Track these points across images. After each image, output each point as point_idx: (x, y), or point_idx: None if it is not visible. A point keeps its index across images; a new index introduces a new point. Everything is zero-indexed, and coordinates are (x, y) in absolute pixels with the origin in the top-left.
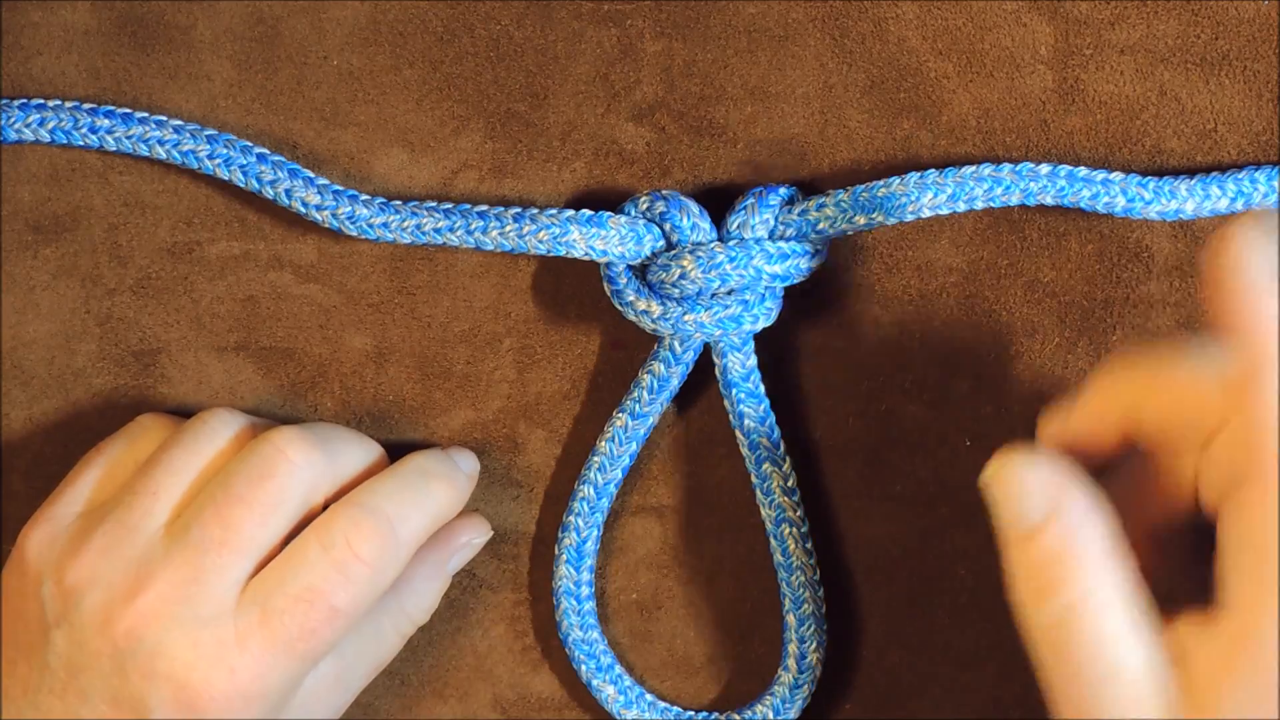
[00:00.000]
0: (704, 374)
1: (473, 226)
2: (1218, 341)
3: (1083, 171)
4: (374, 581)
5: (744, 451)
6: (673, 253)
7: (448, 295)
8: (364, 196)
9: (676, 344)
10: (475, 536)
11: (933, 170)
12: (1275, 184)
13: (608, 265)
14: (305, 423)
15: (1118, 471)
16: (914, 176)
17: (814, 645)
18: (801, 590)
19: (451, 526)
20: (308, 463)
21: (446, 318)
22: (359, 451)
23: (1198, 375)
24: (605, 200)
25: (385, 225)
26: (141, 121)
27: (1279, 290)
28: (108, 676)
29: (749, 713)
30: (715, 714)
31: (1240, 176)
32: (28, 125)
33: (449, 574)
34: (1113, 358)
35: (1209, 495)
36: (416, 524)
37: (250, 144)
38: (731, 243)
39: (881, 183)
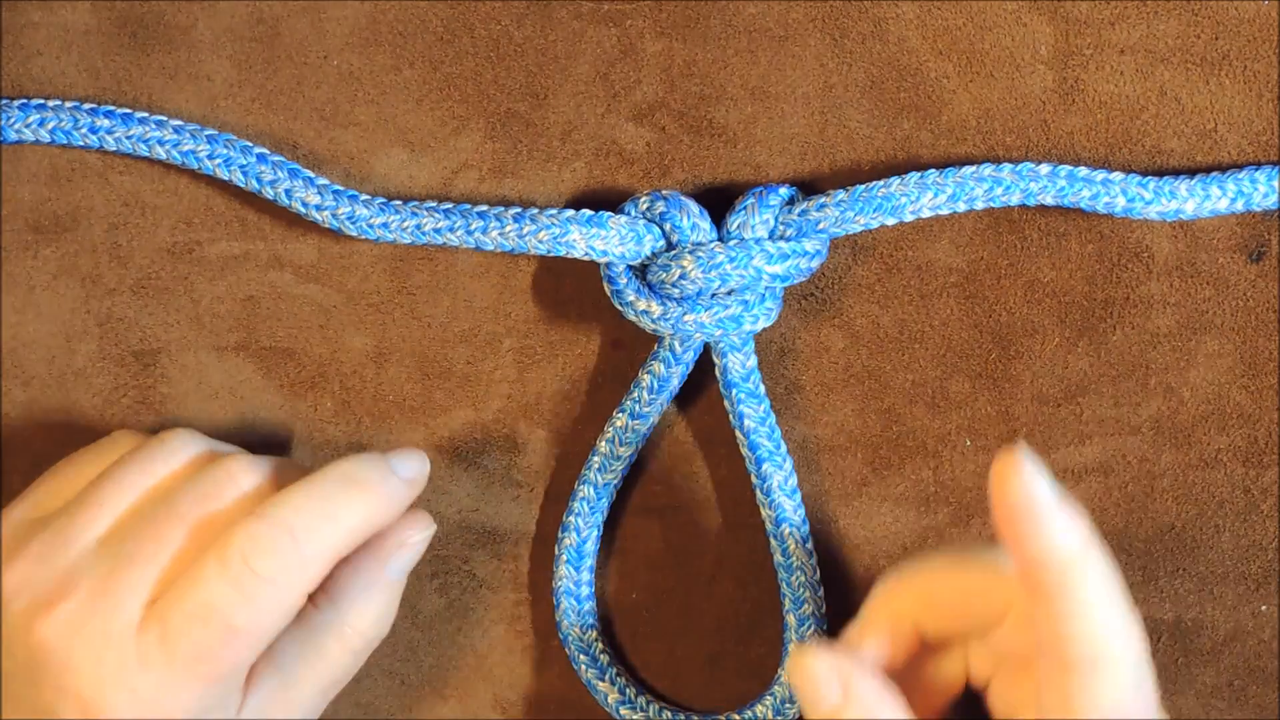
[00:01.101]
0: (704, 374)
1: (473, 226)
2: (989, 550)
3: (1083, 171)
4: (277, 598)
5: (744, 451)
6: (673, 253)
7: (448, 295)
8: (364, 196)
9: (676, 344)
10: (413, 534)
11: (933, 170)
12: (1275, 184)
13: (608, 265)
14: (264, 456)
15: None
16: (914, 176)
17: None
18: (801, 590)
19: (383, 529)
20: (257, 492)
21: (446, 318)
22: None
23: (978, 580)
24: (605, 200)
25: (385, 225)
26: (141, 121)
27: (1059, 508)
28: (26, 685)
29: (749, 713)
30: (715, 714)
31: (1240, 176)
32: (28, 125)
33: (391, 579)
34: (890, 572)
35: (982, 674)
36: (326, 536)
37: (250, 144)
38: (731, 243)
39: (881, 183)
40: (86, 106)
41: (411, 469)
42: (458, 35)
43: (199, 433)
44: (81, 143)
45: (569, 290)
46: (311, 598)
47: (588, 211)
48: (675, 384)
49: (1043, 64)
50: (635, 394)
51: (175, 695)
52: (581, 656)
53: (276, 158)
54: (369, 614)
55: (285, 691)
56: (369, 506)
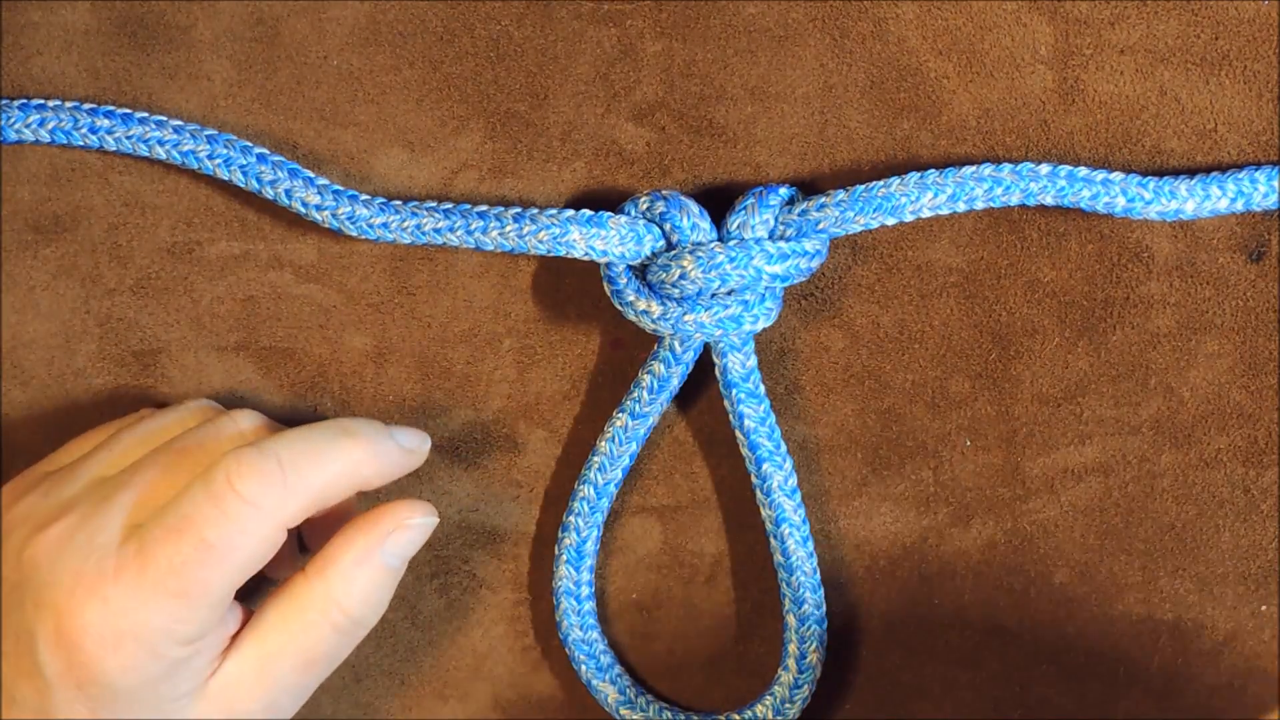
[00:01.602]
0: (704, 374)
1: (473, 226)
2: None
3: (1083, 171)
4: (255, 520)
5: (744, 451)
6: (673, 253)
7: (448, 295)
8: (364, 196)
9: (676, 344)
10: (412, 517)
11: (933, 170)
12: (1275, 184)
13: (608, 265)
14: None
15: None
16: (914, 176)
17: (814, 645)
18: (801, 590)
19: (382, 506)
20: (253, 431)
21: (446, 318)
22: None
23: None
24: (605, 200)
25: (385, 225)
26: (141, 121)
27: None
28: (13, 609)
29: (749, 713)
30: (715, 714)
31: (1240, 176)
32: (28, 125)
33: (385, 562)
34: None
35: None
36: (313, 474)
37: (250, 144)
38: (731, 243)
39: (881, 183)
40: (86, 106)
41: (410, 440)
42: (458, 35)
43: (212, 402)
44: (81, 143)
45: (569, 290)
46: (303, 571)
47: (588, 211)
48: (675, 384)
49: (1043, 64)
50: (635, 394)
51: (145, 608)
52: (581, 656)
53: (276, 158)
54: (357, 592)
55: (263, 662)
56: (361, 458)
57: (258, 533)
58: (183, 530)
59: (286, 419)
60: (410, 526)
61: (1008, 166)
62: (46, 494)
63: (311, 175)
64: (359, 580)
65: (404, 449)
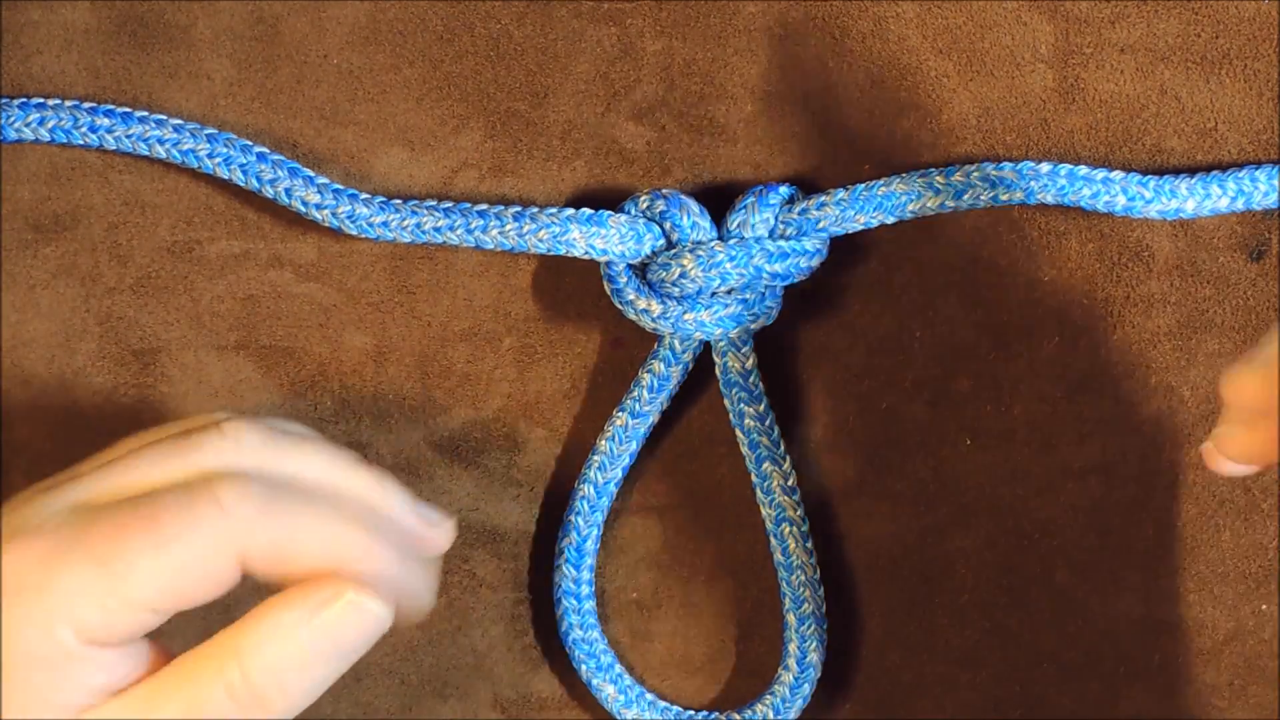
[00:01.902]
0: (704, 374)
1: (473, 225)
2: None
3: (1083, 170)
4: (216, 527)
5: (744, 451)
6: (673, 251)
7: (448, 294)
8: (364, 195)
9: (676, 343)
10: (358, 593)
11: (933, 169)
12: (1275, 183)
13: (608, 264)
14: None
15: None
16: (914, 175)
17: (814, 645)
18: (801, 590)
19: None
20: (245, 438)
21: (446, 317)
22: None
23: None
24: (605, 199)
25: (385, 224)
26: (141, 121)
27: None
28: None
29: (749, 713)
30: (715, 714)
31: (1240, 175)
32: (28, 125)
33: (307, 636)
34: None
35: None
36: (299, 525)
37: (250, 143)
38: (732, 241)
39: (881, 181)
40: (86, 106)
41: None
42: (458, 35)
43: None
44: (81, 142)
45: (569, 289)
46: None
47: (588, 210)
48: (675, 383)
49: (1043, 63)
50: (635, 393)
51: (60, 563)
52: (581, 656)
53: (276, 157)
54: (267, 657)
55: (145, 712)
56: (354, 541)
57: (213, 542)
58: (137, 505)
59: (286, 418)
60: (349, 602)
61: (1008, 165)
62: (37, 488)
63: (311, 174)
64: (272, 644)
65: (411, 567)
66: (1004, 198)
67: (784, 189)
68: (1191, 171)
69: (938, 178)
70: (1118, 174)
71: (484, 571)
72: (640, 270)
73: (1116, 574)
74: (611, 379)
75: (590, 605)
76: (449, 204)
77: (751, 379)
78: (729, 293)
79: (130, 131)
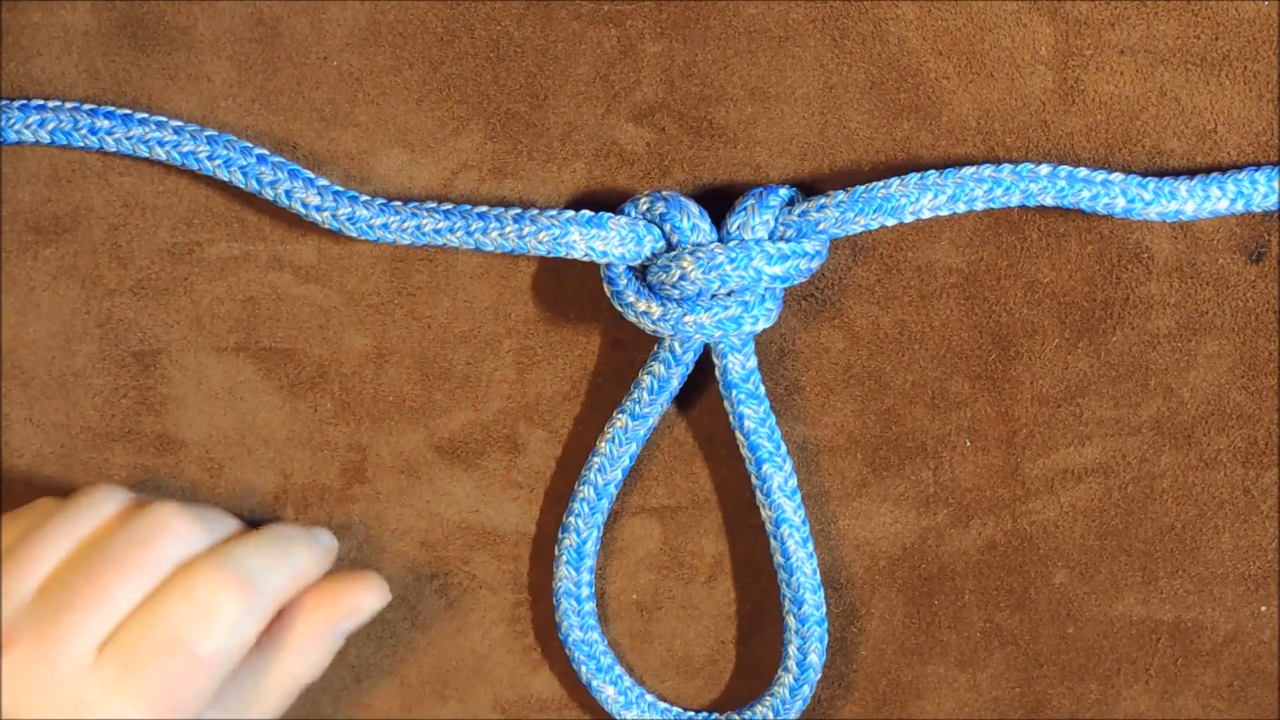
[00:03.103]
0: (704, 374)
1: (473, 227)
2: None
3: (1083, 172)
4: (239, 630)
5: (744, 452)
6: (673, 254)
7: (448, 296)
8: (364, 197)
9: (676, 345)
10: (369, 601)
11: (933, 171)
12: (1275, 184)
13: (608, 266)
14: (190, 503)
15: None
16: (914, 177)
17: (814, 646)
18: (802, 591)
19: (341, 589)
20: (189, 533)
21: (446, 318)
22: (240, 533)
23: None
24: (605, 201)
25: (385, 226)
26: (141, 122)
27: None
28: None
29: (749, 713)
30: (715, 714)
31: (1240, 177)
32: (28, 126)
33: (335, 639)
34: None
35: None
36: (279, 578)
37: (250, 144)
38: (731, 243)
39: (881, 183)
40: (86, 107)
41: (328, 539)
42: (458, 35)
43: (121, 487)
44: (81, 143)
45: (569, 291)
46: (257, 645)
47: (588, 212)
48: (675, 384)
49: (1043, 64)
50: (635, 394)
51: None
52: (581, 656)
53: (276, 158)
54: (310, 664)
55: None
56: (309, 559)
57: (240, 640)
58: (173, 649)
59: (286, 419)
60: (366, 611)
61: (1008, 167)
62: None
63: (311, 176)
64: (315, 654)
65: (327, 548)
66: (1004, 199)
67: (784, 191)
68: (1191, 173)
69: (938, 179)
70: (1117, 176)
71: (484, 573)
72: (640, 272)
73: (1116, 574)
74: (611, 381)
75: (590, 606)
76: (449, 206)
77: (752, 380)
78: (729, 295)
79: (130, 133)
